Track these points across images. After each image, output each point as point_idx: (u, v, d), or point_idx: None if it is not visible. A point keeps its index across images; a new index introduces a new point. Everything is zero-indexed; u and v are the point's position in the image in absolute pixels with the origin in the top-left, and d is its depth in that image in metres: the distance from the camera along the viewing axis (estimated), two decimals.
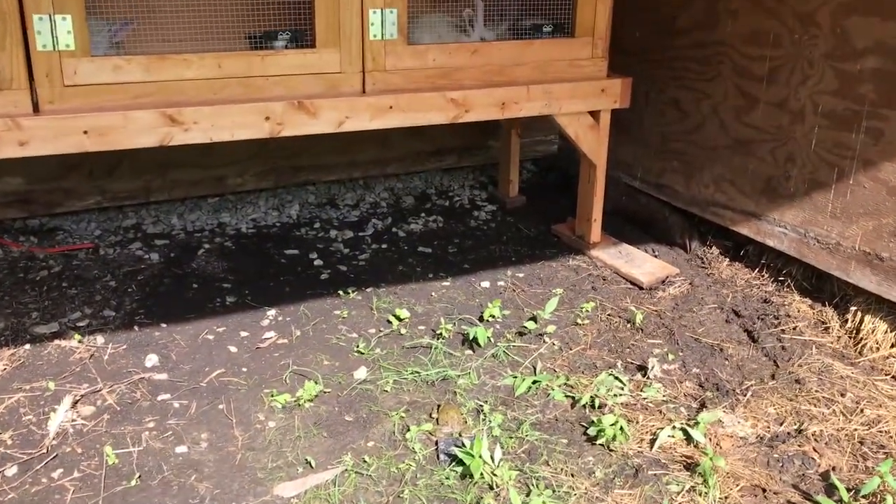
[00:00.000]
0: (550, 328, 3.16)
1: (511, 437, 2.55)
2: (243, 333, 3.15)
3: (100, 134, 2.68)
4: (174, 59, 2.78)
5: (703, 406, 2.76)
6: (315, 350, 3.03)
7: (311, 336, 3.14)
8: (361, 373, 2.89)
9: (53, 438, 2.49)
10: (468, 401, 2.73)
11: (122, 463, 2.40)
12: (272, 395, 2.72)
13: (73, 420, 2.57)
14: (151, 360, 2.93)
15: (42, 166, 3.90)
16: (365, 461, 2.44)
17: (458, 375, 2.87)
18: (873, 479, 2.26)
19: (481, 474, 2.34)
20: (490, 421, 2.62)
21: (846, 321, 3.27)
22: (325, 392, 2.77)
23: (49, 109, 2.63)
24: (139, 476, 2.36)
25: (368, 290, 3.51)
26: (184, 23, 3.00)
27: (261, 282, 3.55)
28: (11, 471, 2.35)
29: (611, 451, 2.51)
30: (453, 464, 2.42)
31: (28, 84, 2.58)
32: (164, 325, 3.18)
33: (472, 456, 2.35)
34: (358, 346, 3.05)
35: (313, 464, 2.43)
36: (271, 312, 3.31)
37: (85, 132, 2.66)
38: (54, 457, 2.42)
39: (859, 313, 3.22)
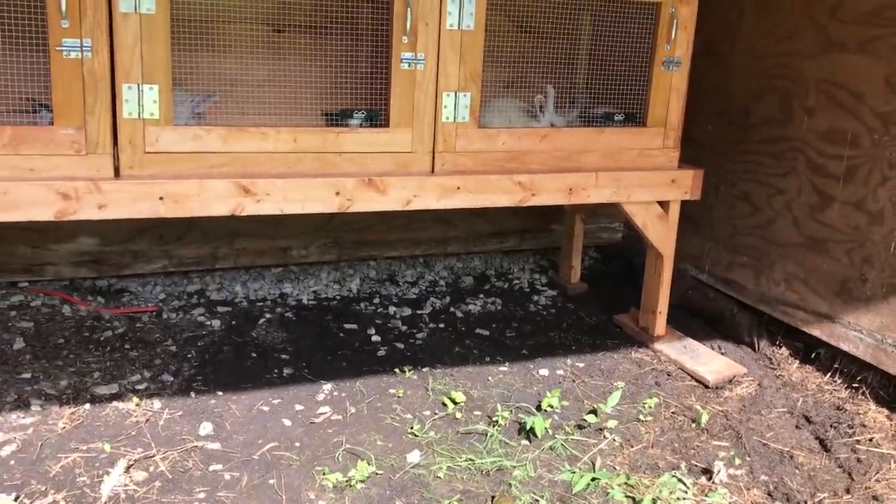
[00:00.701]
0: (611, 423, 3.06)
1: None
2: (298, 407, 3.12)
3: (175, 201, 2.73)
4: (252, 131, 2.85)
5: None
6: (369, 429, 2.98)
7: (366, 414, 3.09)
8: (415, 456, 2.82)
9: (106, 502, 2.46)
10: (523, 494, 2.63)
11: None
12: (324, 474, 2.67)
13: (125, 485, 2.55)
14: (206, 428, 2.91)
15: (115, 229, 4.00)
16: None
17: (514, 466, 2.78)
18: None
19: None
20: None
21: None
22: (377, 473, 2.70)
23: (128, 174, 2.70)
24: None
25: (424, 369, 3.46)
26: (263, 97, 3.09)
27: (318, 355, 3.54)
28: None
29: None
30: None
31: (112, 149, 2.67)
32: (220, 393, 3.18)
33: None
34: (412, 428, 2.98)
35: None
36: (327, 387, 3.28)
37: (161, 198, 2.72)
38: None
39: None
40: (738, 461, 2.92)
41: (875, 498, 2.75)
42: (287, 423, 3.01)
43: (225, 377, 3.29)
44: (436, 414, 3.12)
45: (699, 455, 2.96)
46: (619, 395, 3.14)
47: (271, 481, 2.65)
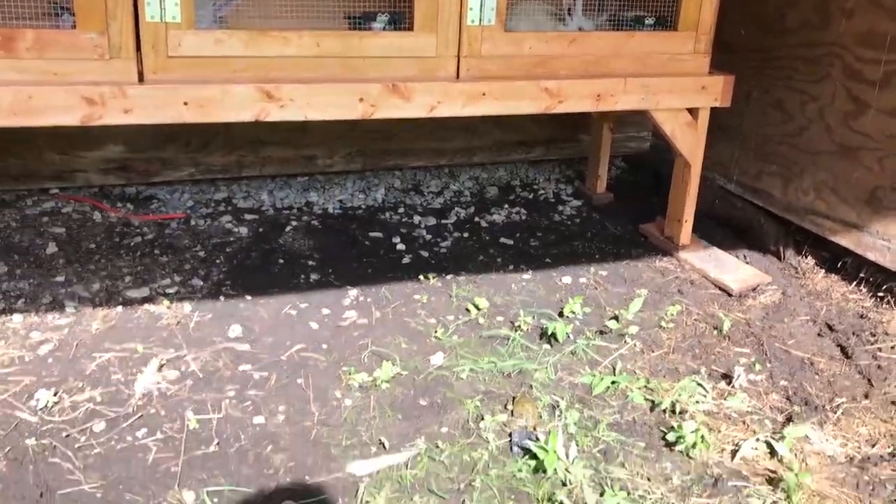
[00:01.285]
0: (633, 329, 3.09)
1: (586, 436, 2.50)
2: (325, 311, 3.18)
3: (199, 105, 2.73)
4: (274, 35, 2.81)
5: (789, 420, 2.65)
6: (394, 332, 3.04)
7: (391, 318, 3.14)
8: (438, 358, 2.88)
9: (139, 399, 2.56)
10: (544, 395, 2.69)
11: (202, 428, 2.46)
12: (350, 374, 2.74)
13: (158, 383, 2.64)
14: (235, 330, 2.99)
15: (142, 136, 4.02)
16: (438, 446, 2.43)
17: (535, 369, 2.84)
18: None
19: (555, 470, 2.30)
20: (566, 418, 2.57)
21: None
22: (401, 374, 2.77)
23: (153, 79, 2.70)
24: (217, 442, 2.40)
25: (448, 276, 3.50)
26: (285, 0, 3.03)
27: (344, 262, 3.58)
28: (99, 426, 2.43)
29: (690, 458, 2.44)
30: (526, 457, 2.38)
31: (135, 54, 2.65)
32: (248, 298, 3.24)
33: (547, 451, 2.31)
34: (436, 332, 3.04)
35: (387, 445, 2.43)
36: (353, 292, 3.33)
37: (185, 103, 2.72)
38: (139, 417, 2.49)
39: None
40: (758, 367, 2.95)
41: (893, 403, 2.77)
42: (314, 326, 3.08)
43: (253, 282, 3.36)
44: (459, 319, 3.16)
45: (720, 361, 2.99)
46: (641, 301, 3.16)
47: (299, 381, 2.73)
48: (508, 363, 2.86)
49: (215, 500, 2.18)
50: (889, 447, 2.55)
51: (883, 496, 2.33)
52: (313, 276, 3.45)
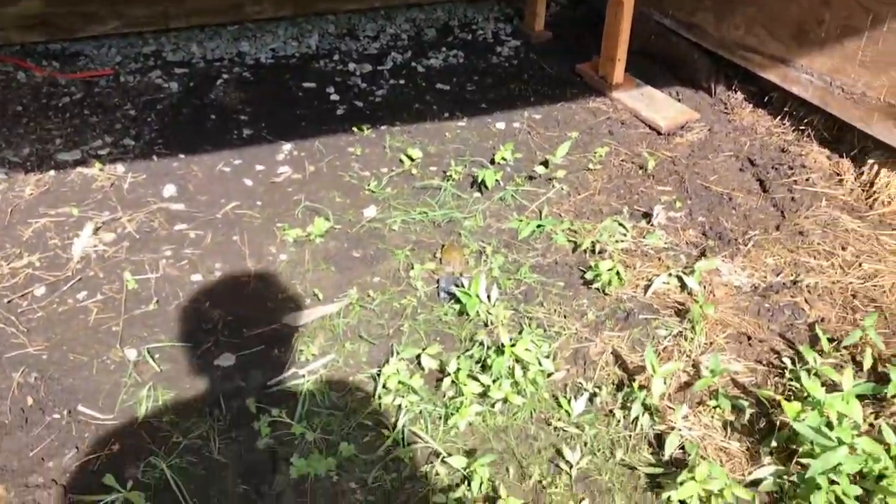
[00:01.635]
0: (560, 173, 3.18)
1: (509, 279, 2.65)
2: (259, 167, 3.22)
3: None
4: None
5: (703, 254, 2.81)
6: (328, 187, 3.10)
7: (325, 172, 3.20)
8: (371, 211, 2.96)
9: (77, 262, 2.64)
10: (472, 242, 2.81)
11: (140, 288, 2.55)
12: (284, 230, 2.82)
13: (94, 246, 2.71)
14: (169, 190, 3.03)
15: None
16: (369, 295, 2.56)
17: (465, 217, 2.94)
18: (855, 332, 2.34)
19: (477, 312, 2.45)
20: (491, 262, 2.70)
21: (861, 174, 3.24)
22: (335, 228, 2.86)
23: None
24: (156, 301, 2.51)
25: (383, 127, 3.52)
26: None
27: (277, 115, 3.58)
28: (40, 291, 2.52)
29: (605, 294, 2.60)
30: (452, 301, 2.53)
31: None
32: (181, 156, 3.26)
33: (470, 295, 2.46)
34: (369, 185, 3.11)
35: (321, 296, 2.56)
36: (287, 147, 3.35)
37: None
38: (78, 280, 2.58)
39: (876, 166, 3.18)
40: (678, 204, 3.08)
41: (801, 233, 2.94)
42: (248, 182, 3.13)
43: (185, 140, 3.36)
44: (392, 171, 3.23)
45: (642, 200, 3.12)
46: (568, 145, 3.23)
47: (234, 238, 2.82)
48: (439, 213, 2.95)
49: (156, 356, 2.31)
50: (792, 275, 2.73)
51: (780, 321, 2.53)
52: (246, 132, 3.45)
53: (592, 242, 2.81)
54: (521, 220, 2.92)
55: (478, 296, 2.45)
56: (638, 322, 2.49)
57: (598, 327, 2.47)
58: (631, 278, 2.67)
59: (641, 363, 2.29)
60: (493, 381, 2.17)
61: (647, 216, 3.00)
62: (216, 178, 3.11)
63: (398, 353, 2.30)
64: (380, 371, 2.23)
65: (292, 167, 3.20)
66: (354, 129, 3.47)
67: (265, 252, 2.74)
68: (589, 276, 2.66)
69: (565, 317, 2.50)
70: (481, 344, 2.33)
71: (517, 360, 2.21)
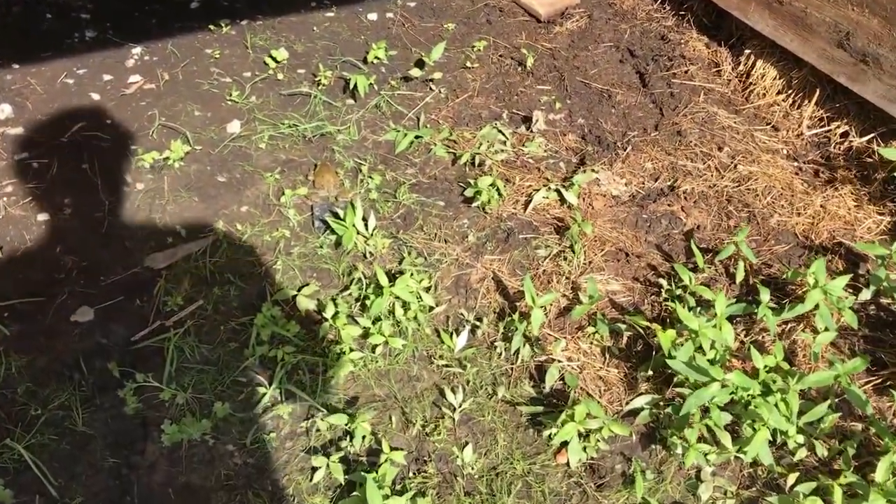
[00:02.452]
0: (438, 74, 3.01)
1: (388, 202, 2.54)
2: (106, 77, 2.90)
3: None
4: None
5: (583, 162, 2.77)
6: (185, 98, 2.84)
7: (181, 80, 2.92)
8: (235, 126, 2.75)
9: None
10: (347, 159, 2.66)
11: None
12: (140, 154, 2.59)
13: None
14: (5, 110, 2.71)
15: None
16: (237, 228, 2.41)
17: (338, 130, 2.77)
18: (728, 246, 2.37)
19: (355, 244, 2.35)
20: (367, 183, 2.58)
21: (739, 64, 3.21)
22: (195, 150, 2.65)
23: None
24: (1, 248, 2.28)
25: (243, 23, 3.22)
26: None
27: (124, 12, 3.20)
28: None
29: (486, 213, 2.54)
30: (328, 231, 2.41)
31: None
32: (16, 67, 2.90)
33: (346, 226, 2.34)
34: (231, 94, 2.86)
35: (183, 233, 2.39)
36: (136, 50, 3.03)
37: None
38: None
39: (752, 57, 3.15)
40: (558, 105, 2.99)
41: (679, 133, 2.93)
42: (95, 97, 2.83)
43: (20, 46, 2.98)
44: (256, 76, 2.98)
45: (521, 102, 3.01)
46: (442, 47, 3.04)
47: (84, 166, 2.57)
48: (309, 126, 2.77)
49: (4, 314, 2.12)
50: (669, 180, 2.73)
51: (657, 232, 2.55)
52: (89, 34, 3.09)
53: (472, 155, 2.71)
54: (397, 131, 2.78)
55: (354, 226, 2.33)
56: (518, 242, 2.45)
57: (478, 250, 2.42)
58: (511, 194, 2.60)
59: (522, 289, 2.27)
60: (373, 324, 2.11)
61: (527, 120, 2.90)
62: (58, 93, 2.79)
63: (272, 296, 2.19)
64: (252, 319, 2.12)
65: (144, 75, 2.90)
66: (212, 26, 3.15)
67: (119, 181, 2.52)
68: (469, 193, 2.57)
69: (446, 241, 2.43)
70: (359, 281, 2.24)
71: (397, 299, 2.14)
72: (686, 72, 3.19)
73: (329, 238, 2.37)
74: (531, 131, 2.85)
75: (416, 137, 2.75)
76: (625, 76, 3.19)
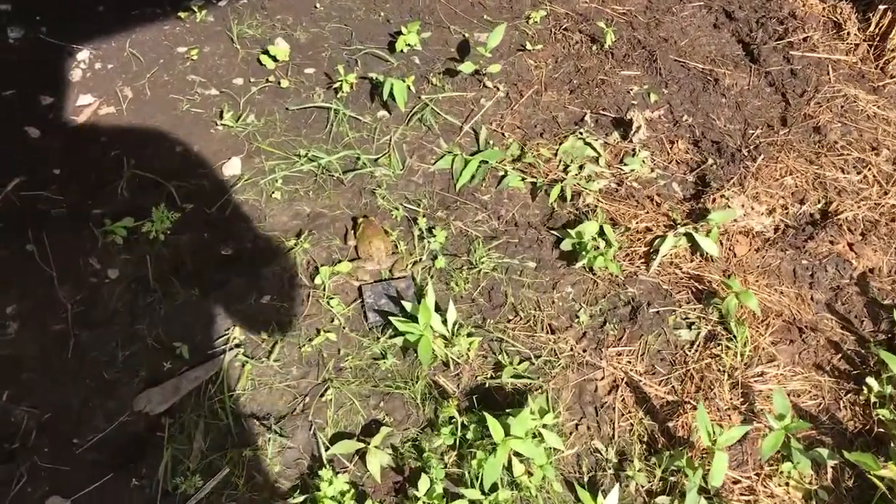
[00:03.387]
0: (493, 67, 2.25)
1: (461, 270, 1.83)
2: (45, 100, 2.12)
3: None
4: None
5: (702, 181, 2.07)
6: (159, 126, 2.09)
7: (149, 98, 2.14)
8: (234, 166, 2.00)
9: None
10: (393, 205, 1.94)
11: None
12: (107, 224, 1.85)
13: None
14: None
15: None
16: (261, 336, 1.70)
17: (374, 161, 2.03)
18: None
19: (433, 354, 1.65)
20: (429, 243, 1.86)
21: (868, 24, 2.48)
22: (185, 209, 1.91)
23: None
24: None
25: (222, 3, 2.40)
26: None
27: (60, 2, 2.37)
28: None
29: (594, 276, 1.85)
30: (389, 331, 1.71)
31: None
32: None
33: (418, 330, 1.64)
34: (223, 116, 2.10)
35: (185, 352, 1.69)
36: (83, 56, 2.23)
37: None
38: None
39: (889, 14, 2.43)
40: (653, 97, 2.27)
41: (816, 129, 2.23)
42: (33, 133, 2.08)
43: None
44: (251, 82, 2.20)
45: (606, 96, 2.28)
46: (501, 31, 2.25)
47: (29, 248, 1.83)
48: (335, 157, 2.02)
49: None
50: (819, 201, 2.06)
51: (824, 284, 1.89)
52: (14, 34, 2.28)
53: (557, 184, 1.99)
54: (453, 155, 2.04)
55: (430, 326, 1.63)
56: (649, 320, 1.77)
57: (597, 337, 1.74)
58: (623, 241, 1.91)
59: (670, 397, 1.61)
60: (486, 494, 1.44)
61: (620, 125, 2.18)
62: None
63: (326, 452, 1.50)
64: (307, 496, 1.44)
65: (98, 93, 2.12)
66: (182, 13, 2.34)
67: (83, 269, 1.81)
68: (566, 245, 1.87)
69: (552, 329, 1.75)
70: (452, 421, 1.56)
71: (517, 454, 1.47)
72: (805, 39, 2.46)
73: (392, 342, 1.67)
74: (631, 141, 2.13)
75: (481, 164, 2.02)
76: (726, 48, 2.46)
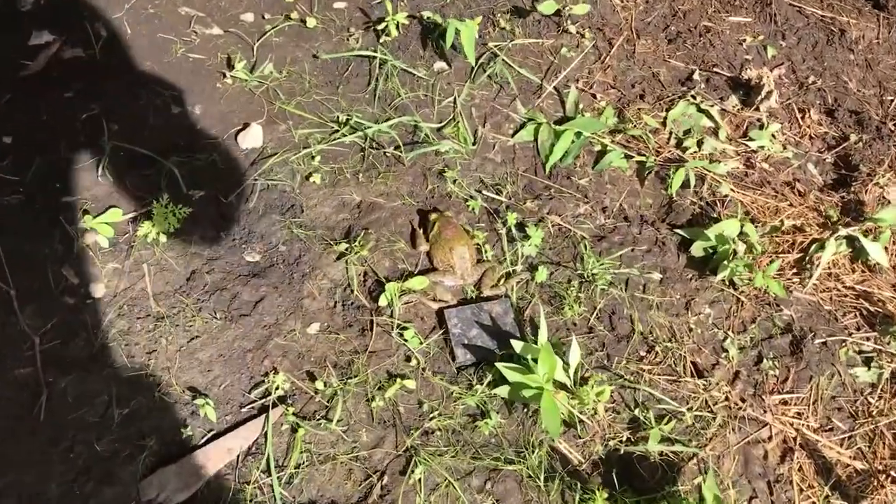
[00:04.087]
0: (579, 8, 1.74)
1: (569, 285, 1.37)
2: None
3: None
4: None
5: (845, 163, 1.64)
6: (141, 69, 1.53)
7: (130, 38, 1.59)
8: (254, 136, 1.48)
9: None
10: (466, 189, 1.46)
11: None
12: (85, 219, 1.34)
13: None
14: None
15: None
16: (312, 385, 1.22)
17: (437, 129, 1.53)
18: None
19: (553, 407, 1.19)
20: (521, 246, 1.40)
21: None
22: (193, 198, 1.39)
23: None
24: None
25: None
26: None
27: None
28: None
29: (738, 294, 1.42)
30: (483, 370, 1.25)
31: None
32: None
33: (535, 380, 1.18)
34: (232, 67, 1.57)
35: (207, 410, 1.20)
36: None
37: None
38: None
39: None
40: (770, 51, 1.82)
41: None
42: None
43: None
44: (266, 19, 1.66)
45: (715, 48, 1.82)
46: None
47: None
48: (386, 124, 1.51)
49: None
50: None
51: None
52: None
53: (674, 166, 1.53)
54: (537, 124, 1.56)
55: (549, 378, 1.17)
56: (815, 355, 1.35)
57: (754, 379, 1.32)
58: (767, 244, 1.47)
59: (857, 461, 1.22)
60: None
61: (738, 86, 1.72)
62: None
63: None
64: None
65: (59, 28, 1.56)
66: None
67: (56, 287, 1.28)
68: (696, 250, 1.43)
69: (697, 370, 1.31)
70: None
71: None
72: None
73: (493, 392, 1.21)
74: (757, 108, 1.67)
75: (575, 137, 1.54)
76: None
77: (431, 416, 1.22)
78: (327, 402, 1.21)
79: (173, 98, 1.50)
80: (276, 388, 1.20)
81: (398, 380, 1.23)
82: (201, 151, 1.45)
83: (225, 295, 1.30)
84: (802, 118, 1.72)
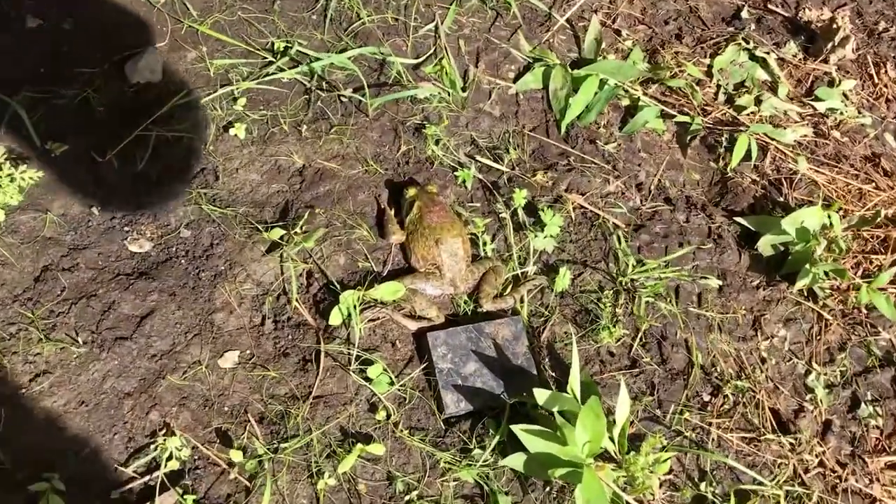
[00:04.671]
0: None
1: (603, 298, 0.96)
2: None
3: None
4: None
5: None
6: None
7: None
8: (150, 66, 1.05)
9: None
10: (452, 151, 1.05)
11: None
12: None
13: None
14: None
15: None
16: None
17: (414, 67, 1.09)
18: None
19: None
20: (532, 240, 0.99)
21: None
22: (55, 155, 0.91)
23: None
24: None
25: None
26: None
27: None
28: None
29: (818, 305, 1.03)
30: (481, 425, 0.83)
31: None
32: None
33: (574, 454, 0.77)
34: None
35: None
36: None
37: None
38: None
39: None
40: None
41: None
42: None
43: None
44: None
45: None
46: None
47: None
48: (341, 55, 1.06)
49: None
50: None
51: None
52: None
53: (722, 126, 1.13)
54: (546, 67, 1.13)
55: (590, 449, 0.77)
56: None
57: (850, 432, 0.96)
58: (850, 243, 1.09)
59: None
60: None
61: (797, 29, 1.32)
62: None
63: None
64: None
65: None
66: None
67: None
68: (764, 247, 1.04)
69: (779, 419, 0.93)
70: None
71: None
72: None
73: (501, 463, 0.80)
74: (826, 60, 1.28)
75: (601, 86, 1.12)
76: None
77: (408, 498, 0.80)
78: (248, 480, 0.78)
79: (31, 5, 1.02)
80: (169, 459, 0.76)
81: (358, 444, 0.80)
82: (68, 85, 0.98)
83: (94, 306, 0.84)
84: (878, 74, 1.33)
